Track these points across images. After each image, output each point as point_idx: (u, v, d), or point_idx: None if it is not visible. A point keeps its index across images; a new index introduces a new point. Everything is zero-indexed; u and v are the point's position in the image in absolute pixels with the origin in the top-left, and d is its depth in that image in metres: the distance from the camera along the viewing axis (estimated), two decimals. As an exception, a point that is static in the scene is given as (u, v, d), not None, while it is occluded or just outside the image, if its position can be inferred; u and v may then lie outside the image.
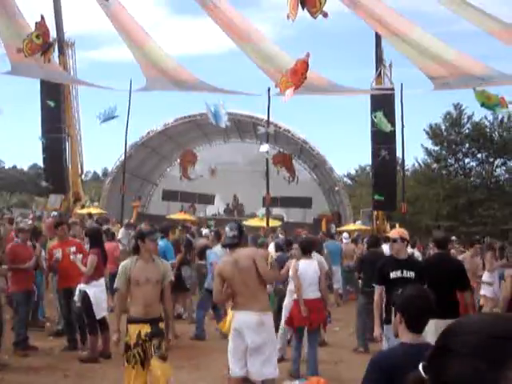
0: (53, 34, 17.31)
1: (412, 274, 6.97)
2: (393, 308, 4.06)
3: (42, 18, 15.66)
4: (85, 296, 8.78)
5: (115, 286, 6.46)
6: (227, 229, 6.57)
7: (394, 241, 7.30)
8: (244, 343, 6.09)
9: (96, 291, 8.80)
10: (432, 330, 5.15)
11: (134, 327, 6.19)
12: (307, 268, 8.34)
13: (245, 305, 6.11)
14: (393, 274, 7.01)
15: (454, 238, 20.68)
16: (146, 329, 6.15)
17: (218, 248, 11.23)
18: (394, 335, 4.00)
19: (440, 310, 6.64)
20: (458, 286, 7.26)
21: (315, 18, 12.18)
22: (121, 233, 17.44)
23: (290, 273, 8.49)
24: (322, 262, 8.99)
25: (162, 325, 6.36)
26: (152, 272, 6.29)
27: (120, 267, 6.45)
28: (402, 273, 7.00)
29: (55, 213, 20.58)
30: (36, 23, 15.46)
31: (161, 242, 11.06)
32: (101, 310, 8.83)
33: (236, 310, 6.24)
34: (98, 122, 21.06)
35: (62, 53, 24.59)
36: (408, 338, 3.49)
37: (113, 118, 21.25)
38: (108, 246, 10.85)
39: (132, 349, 6.13)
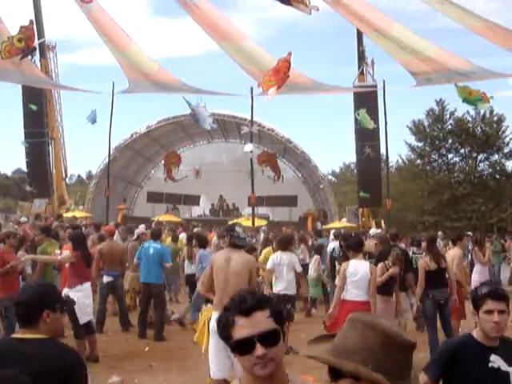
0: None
1: None
2: None
3: (32, 22, 15.52)
4: (68, 301, 8.73)
5: None
6: (239, 230, 6.62)
7: None
8: None
9: (79, 296, 8.71)
10: None
11: None
12: None
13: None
14: None
15: (440, 233, 20.74)
16: None
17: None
18: None
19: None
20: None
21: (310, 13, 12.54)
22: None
23: None
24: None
25: None
26: None
27: None
28: None
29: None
30: (21, 27, 15.31)
31: (157, 245, 10.92)
32: (84, 314, 8.74)
33: (218, 309, 6.21)
34: (89, 123, 21.59)
35: (43, 56, 24.45)
36: None
37: (94, 122, 21.50)
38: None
39: None
